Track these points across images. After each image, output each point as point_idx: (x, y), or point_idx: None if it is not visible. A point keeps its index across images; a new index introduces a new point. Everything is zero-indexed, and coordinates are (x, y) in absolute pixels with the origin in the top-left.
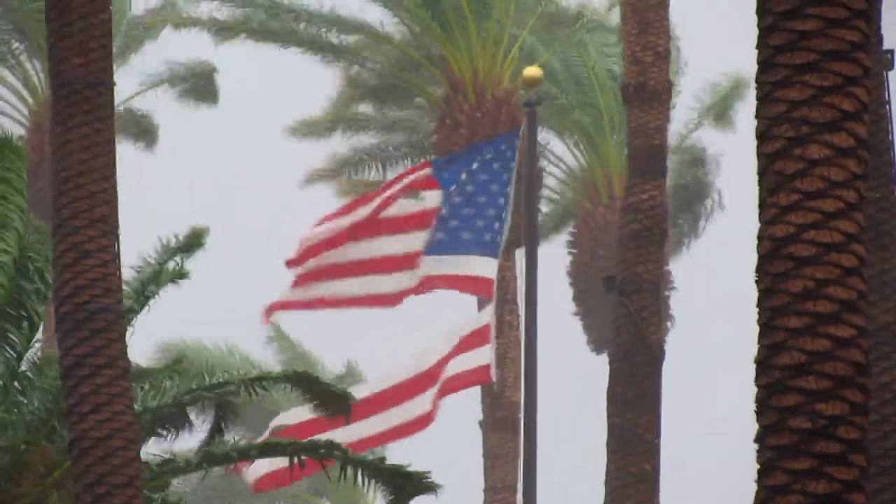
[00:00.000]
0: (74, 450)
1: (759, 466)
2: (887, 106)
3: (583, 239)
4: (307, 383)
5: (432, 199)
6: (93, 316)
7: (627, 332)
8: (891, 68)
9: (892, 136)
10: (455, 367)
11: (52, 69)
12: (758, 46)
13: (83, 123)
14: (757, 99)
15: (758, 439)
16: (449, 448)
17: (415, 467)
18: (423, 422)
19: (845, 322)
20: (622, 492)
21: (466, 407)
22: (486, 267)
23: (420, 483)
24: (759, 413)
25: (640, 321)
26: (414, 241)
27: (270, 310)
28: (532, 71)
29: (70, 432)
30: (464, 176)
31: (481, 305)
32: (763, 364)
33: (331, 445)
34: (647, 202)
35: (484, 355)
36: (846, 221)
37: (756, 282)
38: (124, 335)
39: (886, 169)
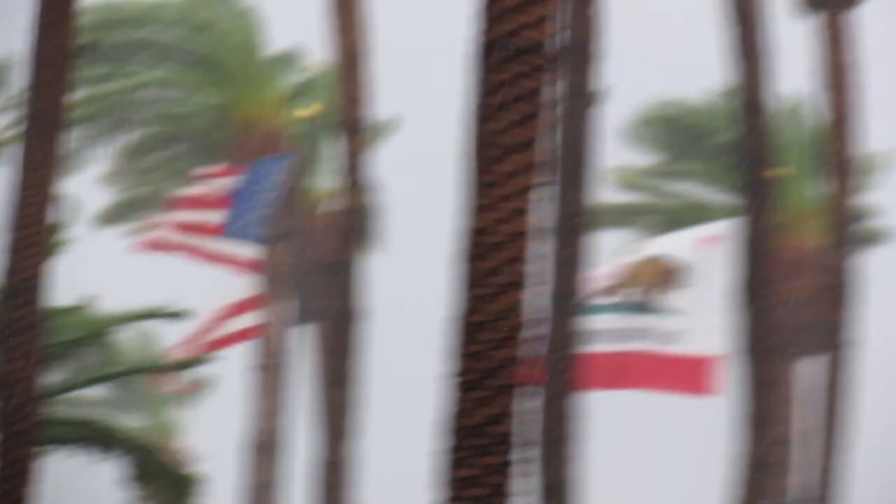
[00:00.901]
0: None
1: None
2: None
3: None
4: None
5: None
6: None
7: (338, 300)
8: (592, 105)
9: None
10: (235, 325)
11: None
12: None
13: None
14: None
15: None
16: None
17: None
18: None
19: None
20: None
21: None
22: (255, 251)
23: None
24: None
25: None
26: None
27: (146, 245)
28: (304, 112)
29: None
30: (245, 183)
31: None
32: (467, 231)
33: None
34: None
35: (257, 317)
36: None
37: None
38: None
39: None
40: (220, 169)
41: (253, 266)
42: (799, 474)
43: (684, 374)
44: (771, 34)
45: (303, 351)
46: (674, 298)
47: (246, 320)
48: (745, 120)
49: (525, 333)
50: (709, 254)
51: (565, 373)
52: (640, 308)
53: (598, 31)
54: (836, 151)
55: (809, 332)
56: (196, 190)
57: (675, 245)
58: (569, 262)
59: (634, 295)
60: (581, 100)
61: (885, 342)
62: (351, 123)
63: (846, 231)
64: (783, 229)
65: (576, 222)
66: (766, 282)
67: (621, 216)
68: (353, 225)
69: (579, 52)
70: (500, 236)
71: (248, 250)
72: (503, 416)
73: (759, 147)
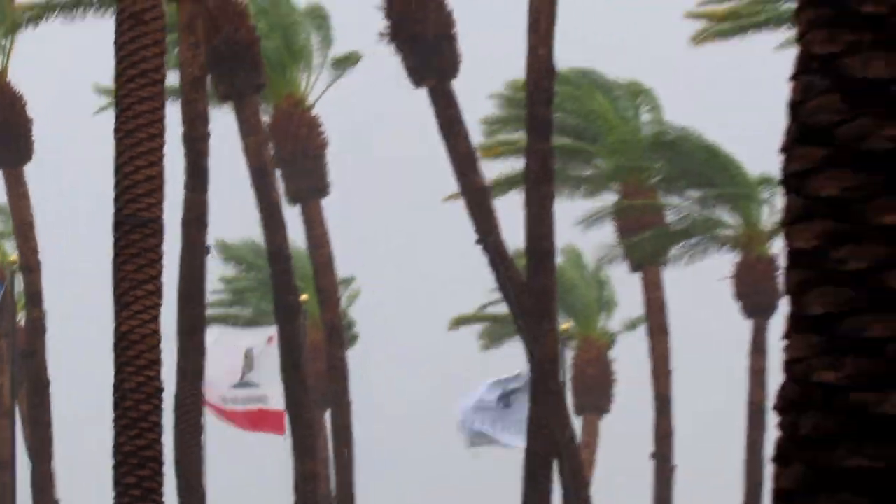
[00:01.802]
0: None
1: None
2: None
3: None
4: None
5: None
6: None
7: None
8: (208, 253)
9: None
10: None
11: None
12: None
13: None
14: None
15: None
16: None
17: None
18: None
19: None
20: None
21: None
22: None
23: None
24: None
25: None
26: None
27: None
28: (13, 258)
29: None
30: None
31: None
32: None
33: None
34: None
35: None
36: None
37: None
38: None
39: None
40: None
41: None
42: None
43: (269, 422)
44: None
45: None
46: (256, 374)
47: None
48: (273, 265)
49: (158, 394)
50: (270, 347)
51: (193, 418)
52: (242, 382)
53: (206, 206)
54: (321, 287)
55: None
56: None
57: (253, 340)
58: (193, 350)
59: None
60: (199, 250)
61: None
62: (27, 266)
63: (338, 332)
64: (308, 331)
65: (197, 326)
66: (299, 364)
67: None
68: (38, 326)
69: (199, 221)
70: (137, 336)
71: None
72: (149, 445)
73: (287, 281)
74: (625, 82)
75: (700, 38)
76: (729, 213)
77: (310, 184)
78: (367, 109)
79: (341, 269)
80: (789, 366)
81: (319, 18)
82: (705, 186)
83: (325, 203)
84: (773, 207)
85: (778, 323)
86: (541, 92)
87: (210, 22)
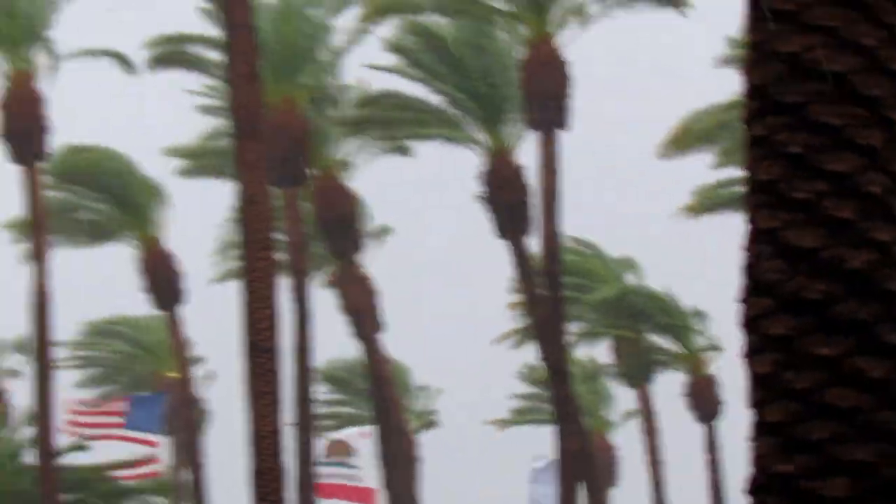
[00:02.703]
0: None
1: None
2: None
3: None
4: None
5: None
6: None
7: None
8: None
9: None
10: None
11: None
12: None
13: None
14: None
15: None
16: None
17: None
18: None
19: None
20: None
21: None
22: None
23: None
24: None
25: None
26: None
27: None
28: (174, 375)
29: None
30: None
31: None
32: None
33: None
34: None
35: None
36: None
37: None
38: None
39: None
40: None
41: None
42: None
43: (364, 495)
44: None
45: None
46: (353, 460)
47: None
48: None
49: (282, 475)
50: (365, 440)
51: (308, 494)
52: (342, 465)
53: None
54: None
55: None
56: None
57: (350, 434)
58: (303, 442)
59: (339, 458)
60: (306, 370)
61: None
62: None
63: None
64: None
65: (307, 425)
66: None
67: None
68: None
69: (305, 347)
70: (265, 431)
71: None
72: None
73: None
74: (619, 256)
75: (687, 212)
76: (671, 342)
77: None
78: None
79: None
80: (756, 460)
81: None
82: (647, 323)
83: None
84: (707, 337)
85: (725, 424)
86: (553, 259)
87: (319, 199)
